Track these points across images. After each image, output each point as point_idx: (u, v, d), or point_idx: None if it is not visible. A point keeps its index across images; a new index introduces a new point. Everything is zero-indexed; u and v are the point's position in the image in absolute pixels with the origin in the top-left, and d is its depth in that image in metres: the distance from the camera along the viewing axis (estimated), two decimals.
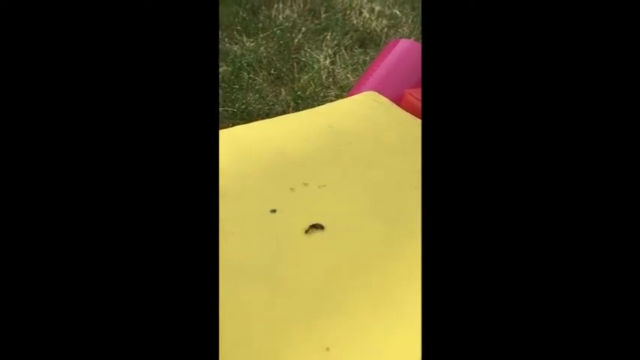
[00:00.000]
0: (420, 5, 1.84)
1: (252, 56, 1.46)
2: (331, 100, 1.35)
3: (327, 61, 1.50)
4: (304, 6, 1.77)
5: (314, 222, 0.53)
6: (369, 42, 1.66)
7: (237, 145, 0.63)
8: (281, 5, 1.74)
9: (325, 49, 1.55)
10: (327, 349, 0.40)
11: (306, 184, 0.58)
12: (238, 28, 1.58)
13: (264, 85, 1.38)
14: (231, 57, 1.45)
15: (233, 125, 0.67)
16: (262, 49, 1.50)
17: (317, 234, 0.52)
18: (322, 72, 1.46)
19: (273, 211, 0.54)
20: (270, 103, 1.32)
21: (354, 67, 1.51)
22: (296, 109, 1.30)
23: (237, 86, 1.35)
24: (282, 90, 1.38)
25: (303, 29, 1.63)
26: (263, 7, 1.72)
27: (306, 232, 0.51)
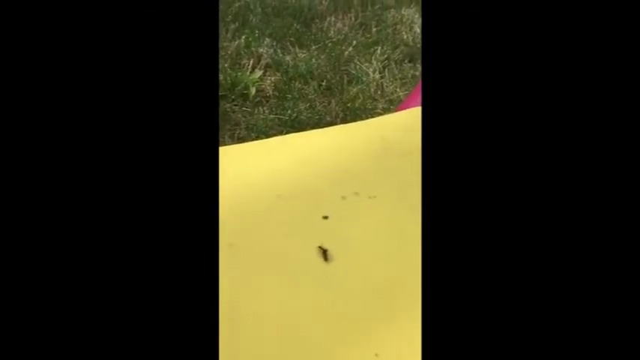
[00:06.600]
0: None
1: (304, 67, 1.49)
2: (379, 113, 1.37)
3: (377, 75, 1.52)
4: (355, 20, 1.79)
5: (365, 230, 0.54)
6: (418, 57, 1.66)
7: (292, 151, 0.64)
8: (333, 18, 1.77)
9: (375, 62, 1.57)
10: (376, 354, 0.41)
11: (357, 194, 0.59)
12: (292, 39, 1.62)
13: (315, 95, 1.41)
14: (284, 67, 1.48)
15: (285, 133, 0.69)
16: (314, 60, 1.53)
17: (368, 243, 0.53)
18: (371, 85, 1.48)
19: (325, 217, 0.55)
20: (320, 113, 1.34)
21: (403, 81, 1.52)
22: (344, 120, 1.32)
23: (289, 95, 1.38)
24: (332, 101, 1.40)
25: (354, 42, 1.65)
26: (316, 20, 1.75)
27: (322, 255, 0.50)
